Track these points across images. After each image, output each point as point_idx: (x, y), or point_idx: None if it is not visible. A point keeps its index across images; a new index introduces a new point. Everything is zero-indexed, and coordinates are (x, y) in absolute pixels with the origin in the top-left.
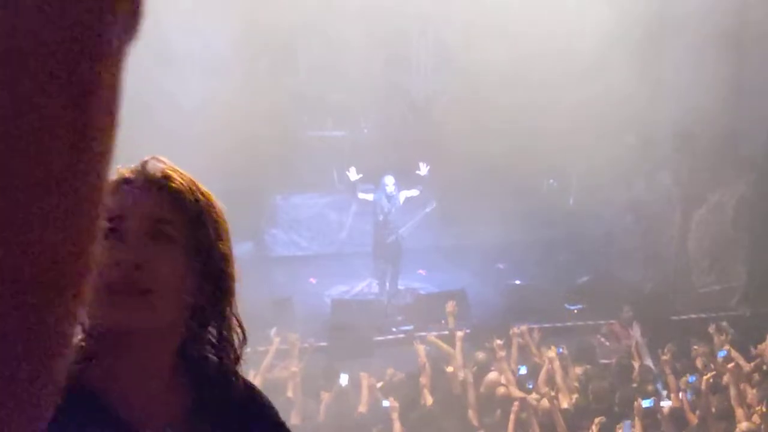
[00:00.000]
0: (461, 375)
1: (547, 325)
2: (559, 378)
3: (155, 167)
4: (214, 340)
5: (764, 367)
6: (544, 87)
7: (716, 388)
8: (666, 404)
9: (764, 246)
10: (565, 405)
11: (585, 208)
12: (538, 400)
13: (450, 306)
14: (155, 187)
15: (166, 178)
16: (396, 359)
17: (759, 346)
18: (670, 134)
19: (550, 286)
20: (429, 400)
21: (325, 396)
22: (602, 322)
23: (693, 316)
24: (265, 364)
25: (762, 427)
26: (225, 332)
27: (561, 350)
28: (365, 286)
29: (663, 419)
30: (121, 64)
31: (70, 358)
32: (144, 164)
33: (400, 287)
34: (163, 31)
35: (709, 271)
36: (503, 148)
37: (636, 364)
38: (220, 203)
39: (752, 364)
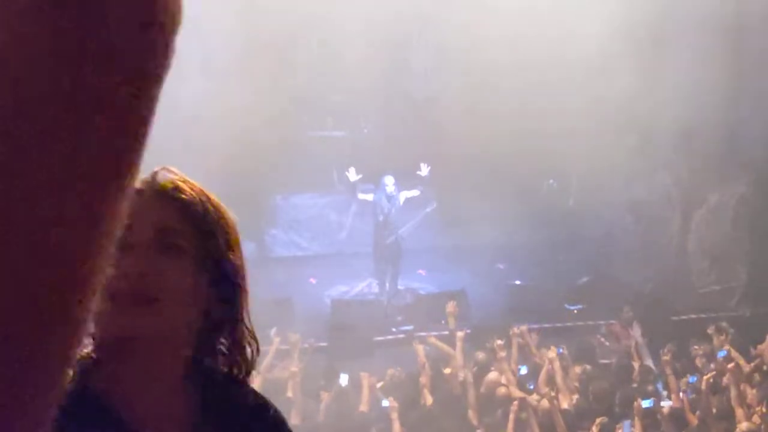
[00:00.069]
0: (461, 375)
1: (547, 326)
2: (559, 378)
3: (165, 178)
4: (225, 351)
5: (764, 368)
6: (544, 88)
7: (716, 388)
8: (666, 404)
9: (764, 246)
10: (565, 405)
11: (585, 209)
12: (538, 401)
13: (450, 306)
14: (165, 197)
15: (176, 188)
16: (396, 359)
17: (759, 347)
18: (670, 135)
19: (550, 286)
20: (429, 400)
21: (325, 396)
22: (602, 322)
23: (693, 316)
24: (265, 364)
25: (762, 427)
26: (236, 343)
27: (561, 350)
28: (365, 286)
29: (663, 419)
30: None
31: (74, 362)
32: (154, 175)
33: (400, 287)
34: None
35: (709, 271)
36: (503, 149)
37: (636, 365)
38: (232, 214)
39: (752, 364)
